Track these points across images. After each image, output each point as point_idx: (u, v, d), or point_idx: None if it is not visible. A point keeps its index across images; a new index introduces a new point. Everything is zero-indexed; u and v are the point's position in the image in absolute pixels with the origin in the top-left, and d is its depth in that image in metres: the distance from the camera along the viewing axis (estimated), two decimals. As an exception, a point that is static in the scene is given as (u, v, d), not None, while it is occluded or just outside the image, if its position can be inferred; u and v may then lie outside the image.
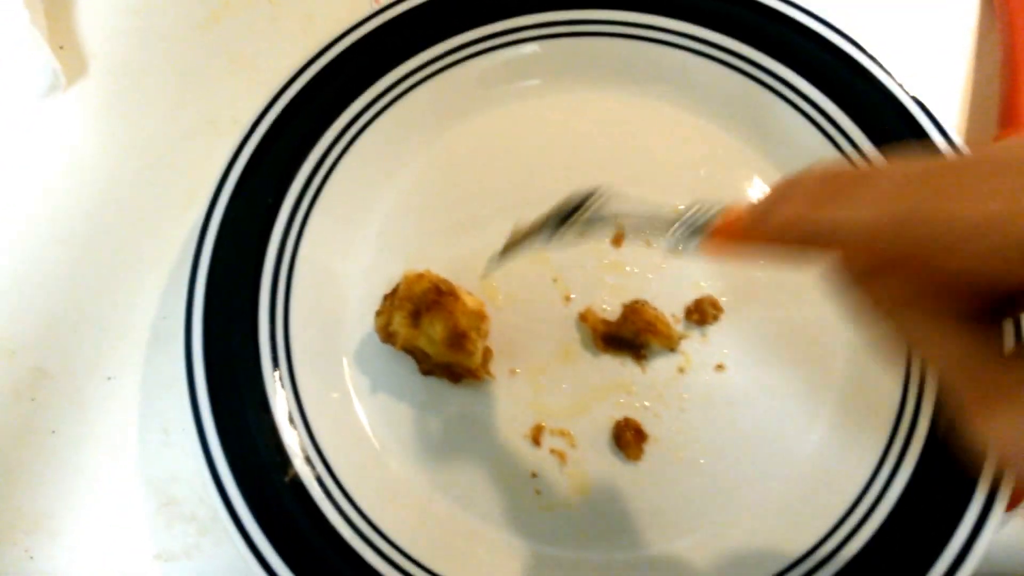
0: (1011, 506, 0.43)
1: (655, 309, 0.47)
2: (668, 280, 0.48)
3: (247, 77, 0.56)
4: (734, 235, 0.29)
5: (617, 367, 0.47)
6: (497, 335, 0.48)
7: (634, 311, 0.47)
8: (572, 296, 0.48)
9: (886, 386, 0.44)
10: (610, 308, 0.48)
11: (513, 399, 0.46)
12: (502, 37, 0.50)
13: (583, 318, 0.47)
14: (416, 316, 0.44)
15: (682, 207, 0.32)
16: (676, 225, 0.32)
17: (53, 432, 0.48)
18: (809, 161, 0.49)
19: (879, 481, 0.42)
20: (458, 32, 0.50)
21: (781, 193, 0.26)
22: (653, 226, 0.34)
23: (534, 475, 0.45)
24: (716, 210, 0.30)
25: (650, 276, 0.48)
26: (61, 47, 0.56)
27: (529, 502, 0.45)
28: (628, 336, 0.46)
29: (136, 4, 0.58)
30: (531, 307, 0.48)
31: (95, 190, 0.53)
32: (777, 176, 0.49)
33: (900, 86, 0.47)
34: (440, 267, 0.47)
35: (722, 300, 0.47)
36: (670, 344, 0.46)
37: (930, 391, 0.43)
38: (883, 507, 0.41)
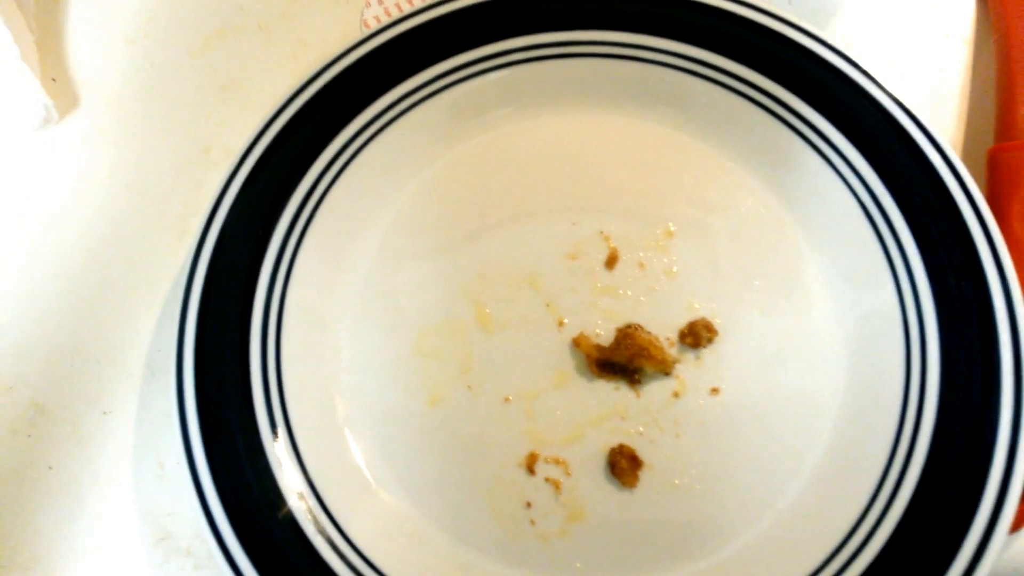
0: (1015, 527, 0.42)
1: (648, 333, 0.47)
2: (662, 303, 0.48)
3: (239, 104, 0.56)
4: None
5: (611, 392, 0.46)
6: (490, 360, 0.47)
7: (627, 336, 0.46)
8: (565, 321, 0.48)
9: (883, 407, 0.43)
10: (604, 332, 0.48)
11: (507, 427, 0.46)
12: (489, 61, 0.50)
13: (576, 343, 0.47)
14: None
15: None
16: None
17: (50, 468, 0.48)
18: (803, 181, 0.48)
19: (878, 505, 0.41)
20: (445, 58, 0.50)
21: None
22: None
23: (529, 504, 0.45)
24: None
25: (643, 299, 0.48)
26: (53, 79, 0.56)
27: (524, 532, 0.44)
28: (622, 361, 0.46)
29: (128, 34, 0.58)
30: (524, 333, 0.48)
31: (90, 223, 0.53)
32: (771, 196, 0.49)
33: (897, 103, 0.47)
34: (432, 297, 0.47)
35: (716, 322, 0.47)
36: (664, 368, 0.46)
37: (928, 413, 0.42)
38: (882, 532, 0.41)
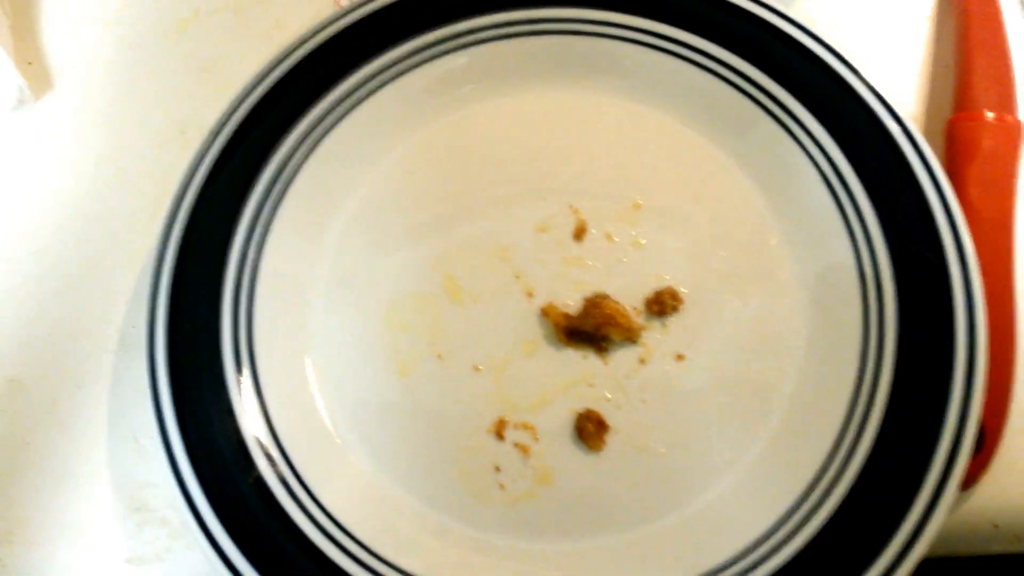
0: (967, 484, 0.43)
1: (616, 302, 0.47)
2: (629, 273, 0.49)
3: (215, 85, 0.56)
4: None
5: (579, 360, 0.47)
6: (460, 331, 0.48)
7: (595, 305, 0.47)
8: (535, 292, 0.49)
9: (842, 371, 0.44)
10: (572, 303, 0.48)
11: (476, 394, 0.47)
12: (457, 40, 0.51)
13: (545, 313, 0.48)
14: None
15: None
16: None
17: (26, 443, 0.49)
18: (765, 152, 0.49)
19: (835, 463, 0.42)
20: (414, 35, 0.51)
21: None
22: None
23: (498, 469, 0.46)
24: None
25: (611, 270, 0.49)
26: (29, 63, 0.57)
27: (494, 496, 0.45)
28: (589, 329, 0.47)
29: (103, 16, 0.58)
30: (494, 303, 0.49)
31: (65, 202, 0.54)
32: (735, 167, 0.50)
33: (856, 74, 0.48)
34: (404, 270, 0.49)
35: (682, 291, 0.48)
36: (630, 336, 0.47)
37: (885, 373, 0.43)
38: (838, 490, 0.41)
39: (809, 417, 0.44)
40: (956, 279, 0.43)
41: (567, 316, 0.47)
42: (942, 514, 0.39)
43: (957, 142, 0.49)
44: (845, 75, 0.48)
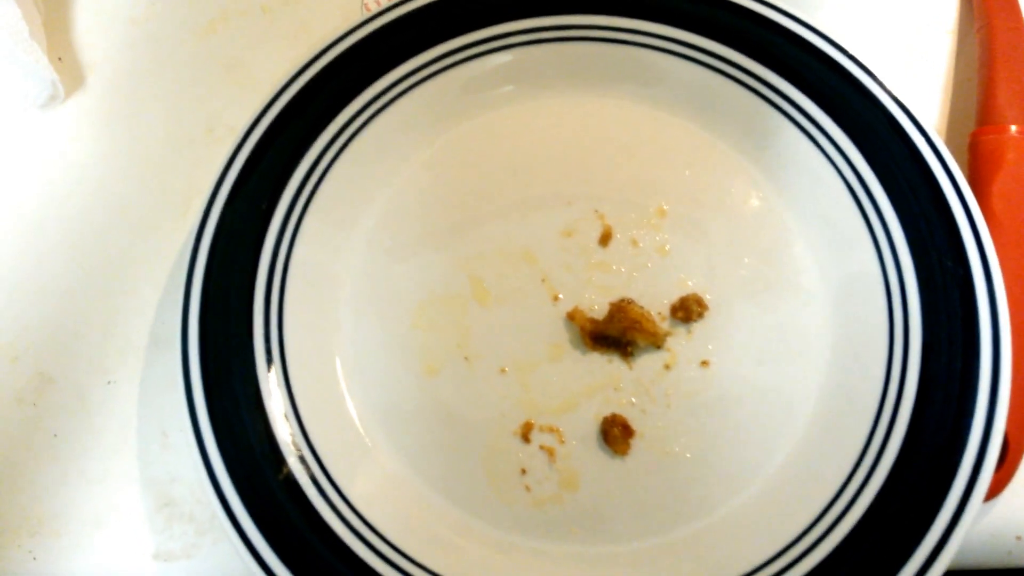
0: (991, 495, 0.44)
1: (641, 308, 0.48)
2: (654, 279, 0.49)
3: (243, 85, 0.57)
4: None
5: (604, 364, 0.48)
6: (487, 333, 0.49)
7: (620, 310, 0.47)
8: (560, 296, 0.49)
9: (867, 380, 0.45)
10: (598, 307, 0.49)
11: (502, 397, 0.47)
12: (487, 44, 0.51)
13: (571, 317, 0.48)
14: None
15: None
16: None
17: (55, 436, 0.49)
18: (791, 160, 0.50)
19: (860, 473, 0.43)
20: (444, 39, 0.51)
21: None
22: None
23: (524, 471, 0.46)
24: None
25: (636, 275, 0.49)
26: (60, 59, 0.57)
27: (519, 497, 0.46)
28: (615, 334, 0.47)
29: (134, 15, 0.59)
30: (520, 307, 0.49)
31: (95, 198, 0.54)
32: (761, 175, 0.50)
33: (881, 85, 0.48)
34: (432, 271, 0.49)
35: (707, 298, 0.48)
36: (655, 341, 0.47)
37: (910, 384, 0.44)
38: (863, 499, 0.42)
39: (834, 427, 0.45)
40: (980, 291, 0.44)
41: (593, 321, 0.48)
42: (966, 526, 0.40)
43: (981, 156, 0.49)
44: (870, 86, 0.49)
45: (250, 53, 0.58)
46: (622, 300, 0.48)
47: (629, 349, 0.48)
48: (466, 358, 0.48)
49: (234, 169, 0.48)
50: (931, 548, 0.40)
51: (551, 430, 0.47)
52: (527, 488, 0.46)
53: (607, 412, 0.47)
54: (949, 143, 0.52)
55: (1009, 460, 0.43)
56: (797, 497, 0.44)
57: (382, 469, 0.46)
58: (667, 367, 0.47)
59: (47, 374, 0.50)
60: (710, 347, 0.48)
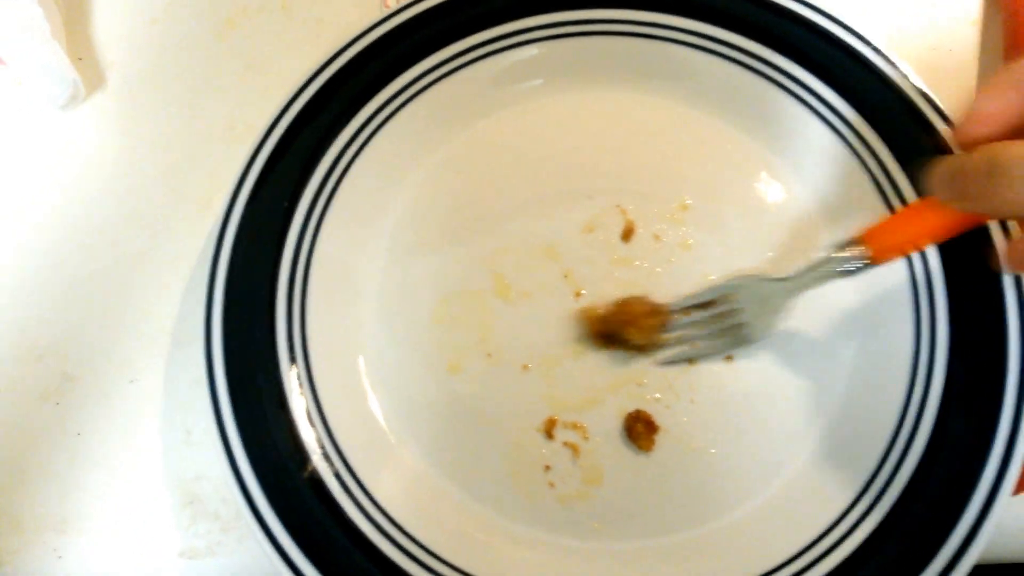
0: (1020, 489, 0.43)
1: (644, 304, 0.48)
2: (677, 274, 0.49)
3: (262, 82, 0.57)
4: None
5: (628, 359, 0.47)
6: (509, 329, 0.49)
7: (623, 305, 0.47)
8: (583, 291, 0.49)
9: (893, 376, 0.45)
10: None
11: (526, 393, 0.47)
12: (510, 39, 0.51)
13: (581, 315, 0.48)
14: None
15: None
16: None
17: (79, 435, 0.49)
18: (815, 155, 0.49)
19: (885, 470, 0.43)
20: (466, 35, 0.51)
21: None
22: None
23: (548, 468, 0.46)
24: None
25: (659, 270, 0.49)
26: (80, 59, 0.57)
27: (543, 494, 0.46)
28: (614, 330, 0.47)
29: (153, 14, 0.59)
30: (542, 302, 0.49)
31: (116, 197, 0.54)
32: (785, 170, 0.50)
33: (906, 78, 0.48)
34: (454, 267, 0.49)
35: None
36: (650, 338, 0.47)
37: (937, 379, 0.43)
38: (889, 495, 0.42)
39: (860, 422, 0.45)
40: (1008, 283, 0.43)
41: (600, 319, 0.48)
42: (995, 519, 0.40)
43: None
44: (896, 80, 0.48)
45: (270, 50, 0.58)
46: (631, 296, 0.48)
47: (629, 345, 0.47)
48: (489, 355, 0.48)
49: (255, 167, 0.48)
50: (959, 542, 0.40)
51: (575, 426, 0.47)
52: (551, 484, 0.46)
53: (631, 408, 0.46)
54: (974, 134, 0.52)
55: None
56: (823, 492, 0.43)
57: (406, 466, 0.46)
58: (691, 362, 0.47)
59: (70, 373, 0.50)
60: (734, 342, 0.47)
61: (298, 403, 0.45)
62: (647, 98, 0.52)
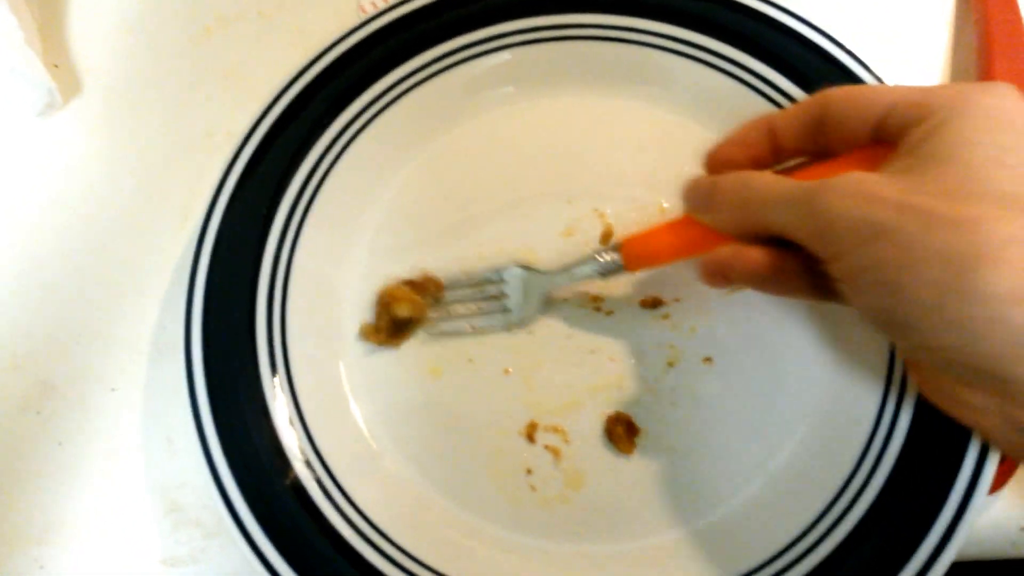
0: (995, 488, 0.44)
1: (397, 287, 0.49)
2: (654, 276, 0.49)
3: (241, 90, 0.57)
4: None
5: (608, 363, 0.48)
6: (493, 336, 0.49)
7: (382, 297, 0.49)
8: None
9: (871, 375, 0.45)
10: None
11: (507, 397, 0.47)
12: (484, 44, 0.51)
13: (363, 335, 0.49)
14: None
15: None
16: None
17: (59, 444, 0.49)
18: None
19: (863, 469, 0.43)
20: (441, 40, 0.51)
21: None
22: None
23: (529, 471, 0.46)
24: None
25: (636, 273, 0.49)
26: (56, 66, 0.57)
27: (525, 498, 0.46)
28: (390, 319, 0.48)
29: (129, 21, 0.59)
30: (522, 307, 0.49)
31: (94, 205, 0.54)
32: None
33: (879, 81, 0.48)
34: (433, 270, 0.50)
35: (708, 295, 0.48)
36: (419, 312, 0.48)
37: (913, 382, 0.44)
38: (867, 495, 0.42)
39: (839, 421, 0.45)
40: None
41: (376, 327, 0.49)
42: (972, 518, 0.40)
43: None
44: (871, 83, 0.48)
45: (247, 58, 0.58)
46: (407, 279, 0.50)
47: (406, 325, 0.48)
48: (470, 359, 0.48)
49: (234, 175, 0.48)
50: (937, 540, 0.40)
51: (556, 430, 0.47)
52: (532, 488, 0.46)
53: (611, 411, 0.47)
54: (948, 136, 0.52)
55: (1013, 452, 0.43)
56: (802, 493, 0.44)
57: (388, 472, 0.46)
58: (670, 364, 0.48)
59: (49, 382, 0.50)
60: (712, 344, 0.48)
61: (279, 410, 0.45)
62: (622, 102, 0.53)
